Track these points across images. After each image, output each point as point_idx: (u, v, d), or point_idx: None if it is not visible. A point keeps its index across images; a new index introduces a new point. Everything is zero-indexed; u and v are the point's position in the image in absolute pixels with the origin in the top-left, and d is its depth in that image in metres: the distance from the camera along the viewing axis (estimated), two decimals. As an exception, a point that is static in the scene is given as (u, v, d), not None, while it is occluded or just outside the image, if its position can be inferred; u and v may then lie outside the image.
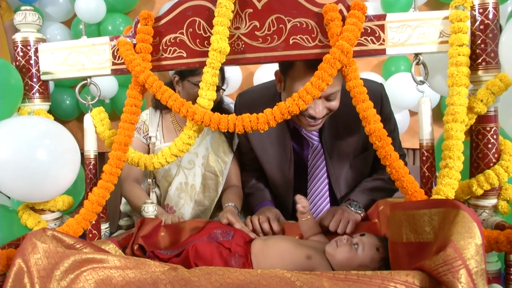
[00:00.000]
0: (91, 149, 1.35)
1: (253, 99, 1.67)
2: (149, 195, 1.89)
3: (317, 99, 1.34)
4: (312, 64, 1.18)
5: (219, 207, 1.81)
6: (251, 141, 1.68)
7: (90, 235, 1.33)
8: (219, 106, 1.80)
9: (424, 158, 1.18)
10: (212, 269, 0.85)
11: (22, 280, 0.88)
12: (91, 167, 1.35)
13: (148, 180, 1.88)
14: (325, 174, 1.60)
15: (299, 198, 1.33)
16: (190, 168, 1.82)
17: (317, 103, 1.35)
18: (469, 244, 0.76)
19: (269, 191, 1.73)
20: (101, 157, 2.68)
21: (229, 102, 2.01)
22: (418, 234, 0.90)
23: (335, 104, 1.39)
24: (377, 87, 1.57)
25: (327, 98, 1.36)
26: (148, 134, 1.84)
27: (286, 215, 1.61)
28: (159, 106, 1.86)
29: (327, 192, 1.61)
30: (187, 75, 1.73)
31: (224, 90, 1.83)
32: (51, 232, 0.96)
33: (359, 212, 1.43)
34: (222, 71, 1.78)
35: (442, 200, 1.00)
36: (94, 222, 1.29)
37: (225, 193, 1.79)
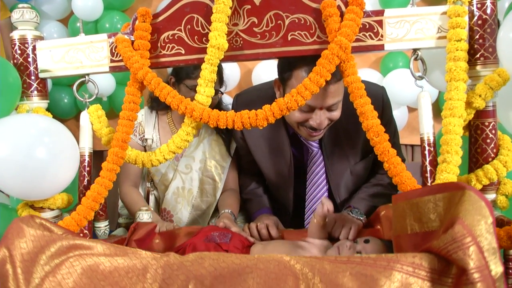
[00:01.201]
0: (85, 146, 1.33)
1: (250, 100, 1.64)
2: (148, 197, 1.86)
3: (318, 110, 1.33)
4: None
5: (217, 210, 1.79)
6: (249, 146, 1.66)
7: (81, 235, 1.31)
8: (217, 107, 1.79)
9: (425, 152, 1.16)
10: (206, 254, 0.82)
11: (4, 267, 0.83)
12: (85, 164, 1.33)
13: (147, 183, 1.86)
14: (325, 181, 1.58)
15: (326, 200, 1.29)
16: (187, 172, 1.80)
17: (318, 114, 1.33)
18: (478, 222, 0.71)
19: (268, 196, 1.71)
20: (99, 156, 2.67)
21: (228, 103, 2.00)
22: (423, 223, 0.85)
23: (336, 114, 1.37)
24: (379, 90, 1.55)
25: (329, 109, 1.34)
26: (144, 136, 1.81)
27: (285, 219, 1.60)
28: (155, 107, 1.83)
29: None
30: (184, 78, 1.70)
31: (223, 93, 1.82)
32: (39, 220, 0.93)
33: (361, 218, 1.42)
34: (220, 73, 1.75)
35: (446, 184, 0.95)
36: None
37: (221, 197, 1.76)
